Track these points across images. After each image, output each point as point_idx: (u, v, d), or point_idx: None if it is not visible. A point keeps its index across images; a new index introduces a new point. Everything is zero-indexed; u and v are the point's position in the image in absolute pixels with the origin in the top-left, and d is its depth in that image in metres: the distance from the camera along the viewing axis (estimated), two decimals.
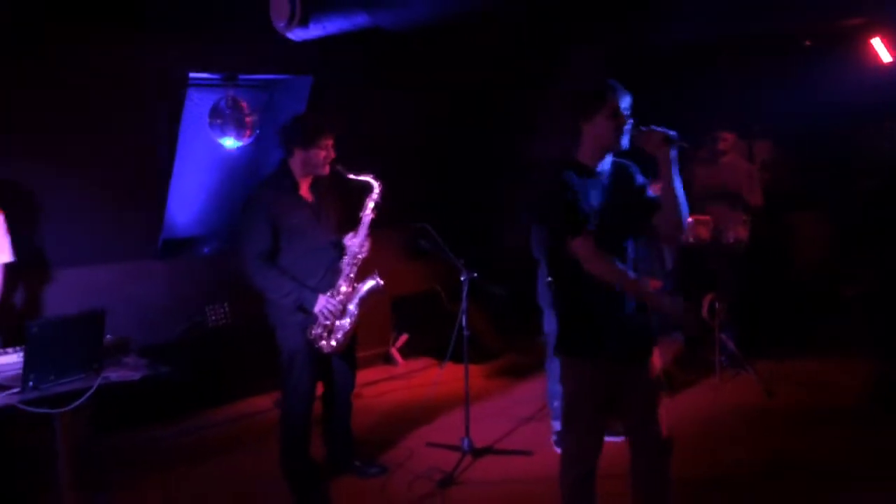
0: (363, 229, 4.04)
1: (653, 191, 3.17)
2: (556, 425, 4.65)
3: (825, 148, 6.61)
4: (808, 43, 5.71)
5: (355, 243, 4.03)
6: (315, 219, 4.02)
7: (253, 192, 4.06)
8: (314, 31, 4.44)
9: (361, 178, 4.03)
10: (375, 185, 4.05)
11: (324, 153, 3.94)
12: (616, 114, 2.98)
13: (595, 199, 3.01)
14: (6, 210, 4.24)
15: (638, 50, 6.22)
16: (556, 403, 4.64)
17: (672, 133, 2.98)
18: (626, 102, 3.01)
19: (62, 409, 3.45)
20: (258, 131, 5.47)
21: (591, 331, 3.04)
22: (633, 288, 2.99)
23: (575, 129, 3.06)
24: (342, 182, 4.06)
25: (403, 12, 3.91)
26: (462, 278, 4.50)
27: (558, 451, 4.57)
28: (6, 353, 3.77)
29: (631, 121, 3.02)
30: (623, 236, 3.09)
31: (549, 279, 4.45)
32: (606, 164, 3.09)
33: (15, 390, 3.39)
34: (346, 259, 4.03)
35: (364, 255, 4.06)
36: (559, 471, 3.19)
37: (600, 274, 2.94)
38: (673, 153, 2.99)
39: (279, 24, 4.47)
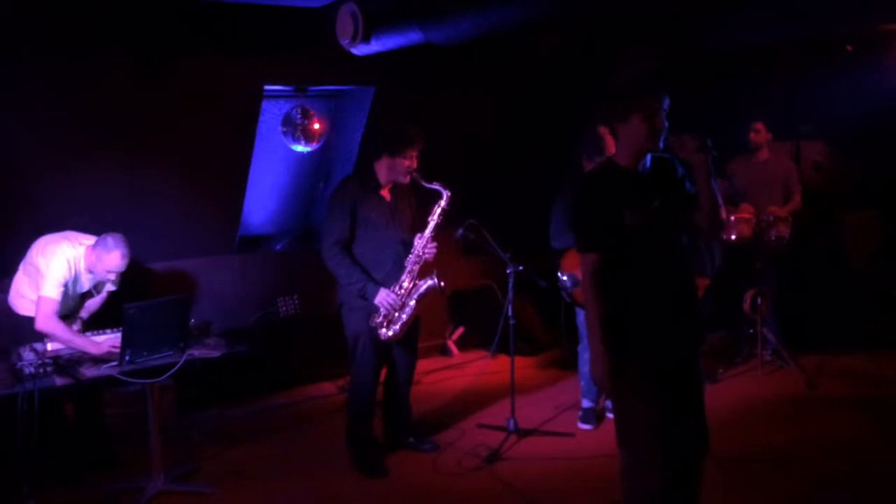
0: (429, 232, 4.42)
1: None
2: (585, 402, 5.06)
3: (876, 149, 6.71)
4: (849, 48, 5.86)
5: (420, 244, 4.40)
6: (390, 217, 4.43)
7: (339, 185, 4.51)
8: (375, 47, 4.87)
9: (433, 186, 4.42)
10: (445, 193, 4.43)
11: (407, 163, 4.35)
12: (650, 115, 2.98)
13: (638, 199, 3.01)
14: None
15: (689, 55, 6.45)
16: (583, 383, 5.05)
17: (706, 140, 3.01)
18: (662, 104, 3.00)
19: (154, 381, 3.97)
20: (325, 138, 5.95)
21: (641, 333, 3.03)
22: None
23: (612, 131, 3.12)
24: (417, 187, 4.47)
25: (453, 30, 4.30)
26: (508, 271, 4.86)
27: (582, 426, 4.98)
28: (105, 332, 4.32)
29: (666, 123, 3.01)
30: (673, 230, 3.08)
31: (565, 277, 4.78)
32: (646, 162, 3.10)
33: (114, 363, 3.93)
34: (410, 257, 4.40)
35: (428, 256, 4.42)
36: (624, 474, 3.14)
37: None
38: (709, 159, 3.01)
39: (344, 41, 4.92)
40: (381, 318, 4.36)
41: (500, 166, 6.79)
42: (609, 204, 3.01)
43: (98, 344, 4.11)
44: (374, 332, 4.37)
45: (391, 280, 4.37)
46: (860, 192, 6.92)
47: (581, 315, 4.91)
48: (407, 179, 4.41)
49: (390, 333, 4.38)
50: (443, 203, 4.42)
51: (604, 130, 4.78)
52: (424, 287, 4.40)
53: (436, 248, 4.43)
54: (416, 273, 4.40)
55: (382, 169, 4.41)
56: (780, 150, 6.31)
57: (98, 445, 4.63)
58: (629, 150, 3.07)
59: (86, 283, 4.38)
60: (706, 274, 5.84)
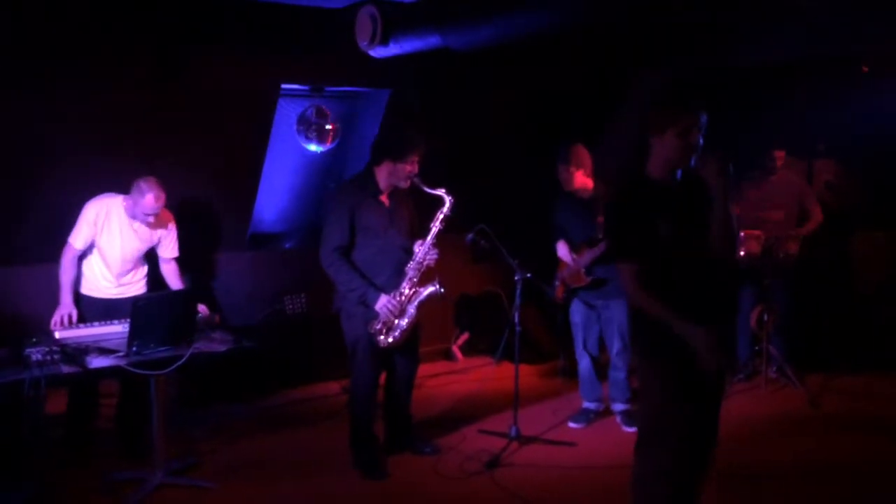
0: (430, 239, 4.38)
1: None
2: (585, 404, 5.33)
3: (889, 169, 6.69)
4: (865, 69, 5.86)
5: (422, 251, 4.37)
6: (389, 222, 4.37)
7: (338, 189, 4.47)
8: (393, 50, 4.89)
9: (436, 192, 4.36)
10: (447, 199, 4.37)
11: (409, 168, 4.30)
12: (685, 133, 2.96)
13: (669, 213, 3.01)
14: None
15: (703, 71, 6.46)
16: (582, 385, 5.33)
17: (728, 164, 2.98)
18: (699, 121, 2.99)
19: (160, 372, 3.99)
20: (340, 138, 5.97)
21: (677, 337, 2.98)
22: (672, 321, 2.94)
23: (646, 143, 3.08)
24: (418, 192, 4.41)
25: (472, 35, 4.32)
26: (516, 278, 4.86)
27: (571, 425, 5.17)
28: (113, 323, 4.35)
29: (701, 141, 3.00)
30: (703, 248, 3.05)
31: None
32: (677, 177, 3.08)
33: (121, 354, 3.95)
34: (412, 264, 4.37)
35: (430, 262, 4.38)
36: (637, 488, 3.16)
37: (640, 306, 3.02)
38: (727, 182, 2.97)
39: (362, 43, 4.94)
40: (380, 325, 4.32)
41: (514, 171, 6.79)
42: (644, 216, 3.00)
43: (69, 306, 4.46)
44: (372, 338, 4.35)
45: (391, 286, 4.33)
46: (871, 211, 6.90)
47: (574, 314, 5.18)
48: (407, 185, 4.35)
49: (390, 340, 4.35)
50: (445, 209, 4.38)
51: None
52: (426, 294, 4.36)
53: (437, 254, 4.40)
54: (416, 280, 4.37)
55: (383, 174, 4.34)
56: (792, 168, 6.30)
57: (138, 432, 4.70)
58: (662, 163, 3.06)
59: (131, 231, 4.58)
60: None
